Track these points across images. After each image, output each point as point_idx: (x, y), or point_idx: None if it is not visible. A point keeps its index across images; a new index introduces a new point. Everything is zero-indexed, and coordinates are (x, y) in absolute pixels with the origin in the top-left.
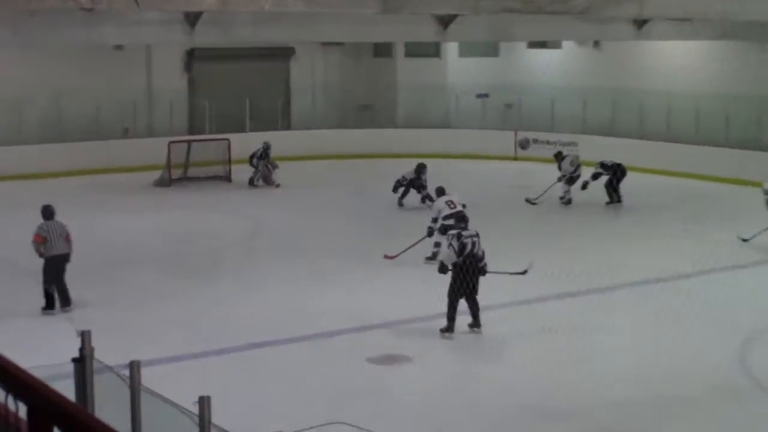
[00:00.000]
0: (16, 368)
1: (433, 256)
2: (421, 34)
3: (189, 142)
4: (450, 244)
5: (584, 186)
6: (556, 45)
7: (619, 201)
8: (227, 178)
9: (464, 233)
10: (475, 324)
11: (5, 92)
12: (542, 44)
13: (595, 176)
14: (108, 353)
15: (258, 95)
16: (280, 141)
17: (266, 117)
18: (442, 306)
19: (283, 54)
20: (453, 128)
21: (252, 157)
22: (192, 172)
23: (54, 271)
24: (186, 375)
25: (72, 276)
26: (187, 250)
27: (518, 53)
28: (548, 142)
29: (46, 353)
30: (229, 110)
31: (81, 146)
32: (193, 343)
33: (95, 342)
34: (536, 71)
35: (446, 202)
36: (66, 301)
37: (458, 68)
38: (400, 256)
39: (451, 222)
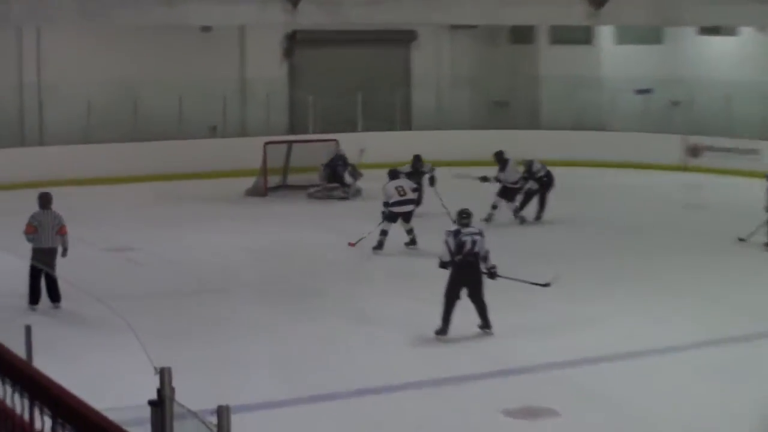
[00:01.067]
0: (89, 410)
1: (378, 245)
2: (570, 16)
3: (289, 143)
4: (446, 241)
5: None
6: (731, 31)
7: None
8: (358, 190)
9: (464, 230)
10: (484, 325)
11: (69, 82)
12: (715, 30)
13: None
14: (191, 396)
15: (372, 88)
16: (397, 143)
17: (381, 114)
18: (599, 350)
19: (402, 39)
20: (607, 131)
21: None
22: (292, 179)
23: (41, 264)
24: (282, 424)
25: (148, 302)
26: (285, 275)
27: (686, 40)
28: (725, 149)
29: (117, 392)
30: (338, 105)
31: (159, 147)
32: (291, 386)
33: (176, 382)
34: (708, 62)
35: (396, 188)
36: (55, 297)
37: (614, 58)
38: (361, 242)
39: (399, 209)
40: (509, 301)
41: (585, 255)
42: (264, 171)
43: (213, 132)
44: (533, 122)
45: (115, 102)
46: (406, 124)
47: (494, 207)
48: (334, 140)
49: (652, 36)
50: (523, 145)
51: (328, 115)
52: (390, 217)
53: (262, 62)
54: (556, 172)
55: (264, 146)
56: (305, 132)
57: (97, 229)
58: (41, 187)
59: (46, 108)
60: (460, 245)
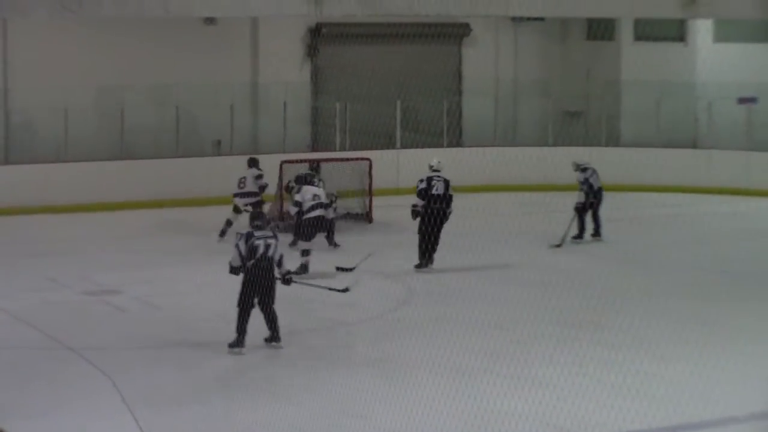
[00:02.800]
0: None
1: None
2: (659, 8)
3: (311, 162)
4: (236, 245)
5: None
6: None
7: None
8: (367, 215)
9: (257, 233)
10: (273, 338)
11: (41, 87)
12: None
13: None
14: None
15: (414, 94)
16: (444, 163)
17: (426, 126)
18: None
19: (452, 34)
20: (702, 148)
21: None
22: None
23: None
24: None
25: (133, 357)
26: (302, 324)
27: None
28: None
29: None
30: (372, 116)
31: (150, 167)
32: None
33: None
34: None
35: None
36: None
37: (712, 59)
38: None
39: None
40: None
41: (665, 301)
42: (280, 196)
43: (218, 148)
44: (613, 137)
45: (97, 112)
46: (456, 139)
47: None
48: (367, 159)
49: (759, 32)
50: (600, 164)
51: (359, 127)
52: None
53: (278, 63)
54: (639, 197)
55: (280, 165)
56: (332, 148)
57: (73, 267)
58: (5, 215)
59: (13, 119)
60: (253, 249)
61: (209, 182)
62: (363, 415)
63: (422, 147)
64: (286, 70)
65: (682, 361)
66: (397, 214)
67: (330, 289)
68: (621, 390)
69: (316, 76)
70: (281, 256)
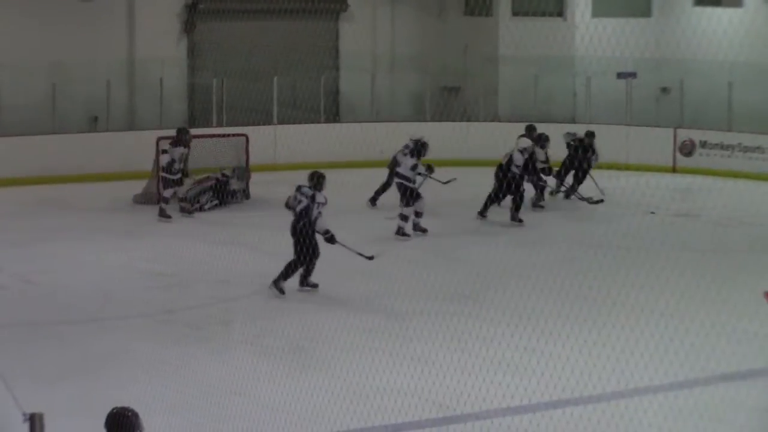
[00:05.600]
0: None
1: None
2: None
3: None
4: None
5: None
6: (735, 2)
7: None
8: (244, 192)
9: (301, 188)
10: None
11: None
12: (716, 0)
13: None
14: None
15: (291, 70)
16: (322, 139)
17: (303, 102)
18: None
19: (329, 9)
20: (581, 123)
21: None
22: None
23: None
24: None
25: (11, 336)
26: (183, 302)
27: (680, 12)
28: (724, 146)
29: None
30: (248, 92)
31: (25, 143)
32: None
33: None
34: (706, 40)
35: None
36: None
37: (591, 34)
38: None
39: None
40: (462, 336)
41: (543, 275)
42: (157, 173)
43: (94, 125)
44: (490, 112)
45: None
46: (333, 115)
47: None
48: (244, 135)
49: (638, 7)
50: (478, 139)
51: (236, 103)
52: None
53: (154, 38)
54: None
55: (157, 142)
56: (208, 125)
57: None
58: None
59: None
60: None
61: (86, 159)
62: (243, 392)
63: (299, 123)
64: (163, 46)
65: (563, 337)
66: (275, 191)
67: (358, 254)
68: (501, 366)
69: (192, 52)
70: (316, 216)
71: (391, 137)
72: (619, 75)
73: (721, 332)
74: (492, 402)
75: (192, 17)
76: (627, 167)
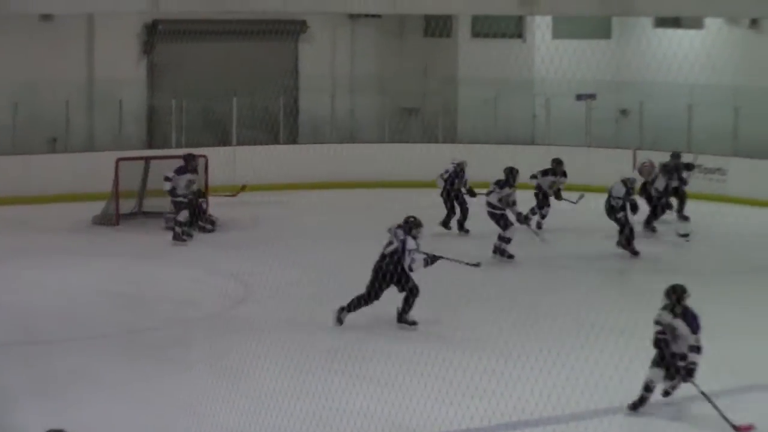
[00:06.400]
0: None
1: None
2: (497, 4)
3: (147, 159)
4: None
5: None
6: (695, 23)
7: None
8: (202, 213)
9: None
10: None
11: None
12: (675, 22)
13: None
14: None
15: (250, 91)
16: (281, 160)
17: (262, 123)
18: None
19: (289, 30)
20: (540, 144)
21: None
22: (150, 204)
23: None
24: None
25: None
26: (141, 322)
27: (640, 34)
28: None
29: None
30: (208, 113)
31: None
32: None
33: None
34: (666, 62)
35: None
36: None
37: (551, 56)
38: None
39: None
40: (422, 358)
41: (503, 297)
42: (116, 194)
43: (53, 146)
44: (450, 134)
45: None
46: (292, 137)
47: None
48: (203, 156)
49: (598, 29)
50: (438, 162)
51: (195, 124)
52: None
53: (114, 59)
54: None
55: (116, 163)
56: (167, 146)
57: None
58: None
59: None
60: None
61: (46, 180)
62: (201, 413)
63: (258, 144)
64: (122, 66)
65: (522, 358)
66: (235, 212)
67: (465, 263)
68: (460, 387)
69: (152, 73)
70: (409, 264)
71: (349, 158)
72: (578, 97)
73: None
74: (452, 423)
75: (152, 38)
76: (585, 188)
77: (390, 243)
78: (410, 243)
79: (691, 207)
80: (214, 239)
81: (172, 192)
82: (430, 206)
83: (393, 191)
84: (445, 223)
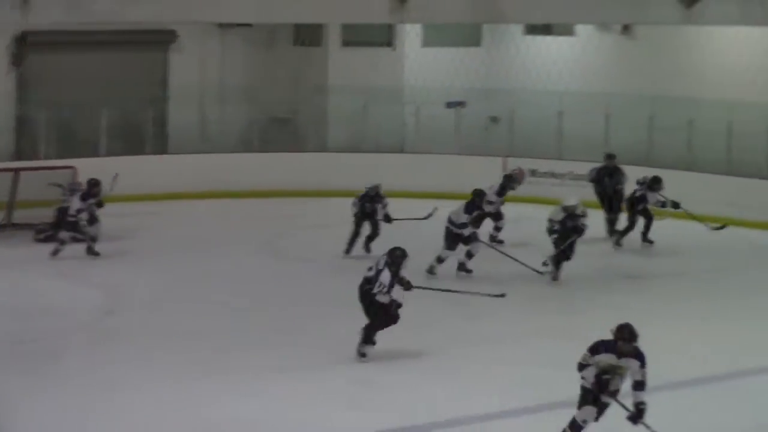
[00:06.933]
0: None
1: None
2: (366, 13)
3: (15, 171)
4: None
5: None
6: (567, 30)
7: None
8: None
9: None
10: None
11: None
12: (546, 29)
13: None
14: None
15: (120, 101)
16: (150, 171)
17: (132, 134)
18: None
19: (158, 41)
20: (410, 153)
21: None
22: (20, 215)
23: None
24: None
25: None
26: (12, 335)
27: (510, 41)
28: (554, 175)
29: None
30: (77, 124)
31: None
32: None
33: None
34: (537, 69)
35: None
36: None
37: (421, 63)
38: None
39: None
40: (291, 366)
41: None
42: (9, 206)
43: None
44: (320, 143)
45: None
46: (161, 147)
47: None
48: (72, 167)
49: (467, 36)
50: (308, 172)
51: (64, 135)
52: None
53: None
54: (344, 203)
55: None
56: (36, 157)
57: None
58: None
59: None
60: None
61: None
62: (77, 428)
63: (127, 154)
64: None
65: (397, 367)
66: (104, 222)
67: (485, 294)
68: (331, 395)
69: (21, 84)
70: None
71: (219, 168)
72: (448, 104)
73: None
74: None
75: (21, 50)
76: (454, 195)
77: (369, 268)
78: (384, 276)
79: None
80: (83, 250)
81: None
82: (299, 215)
83: (262, 201)
84: (348, 249)
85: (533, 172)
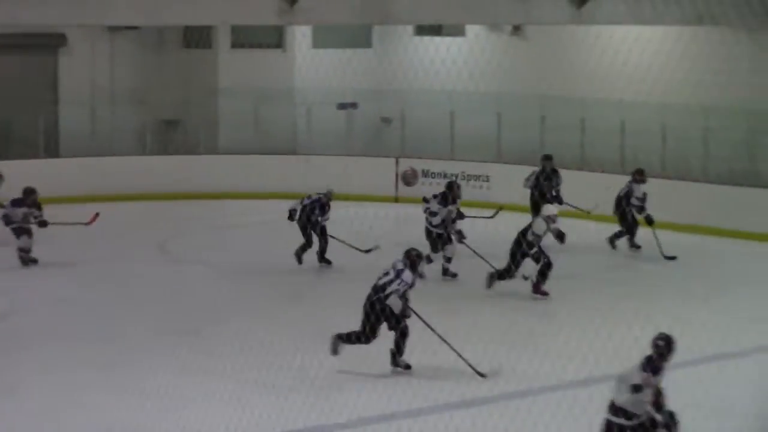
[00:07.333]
0: None
1: None
2: (256, 15)
3: None
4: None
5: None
6: (457, 31)
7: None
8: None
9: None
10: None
11: None
12: (437, 29)
13: None
14: None
15: (8, 105)
16: (42, 175)
17: (21, 138)
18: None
19: (48, 44)
20: (301, 154)
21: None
22: None
23: None
24: None
25: None
26: None
27: (399, 42)
28: (446, 175)
29: None
30: None
31: None
32: None
33: None
34: (428, 69)
35: None
36: None
37: (311, 65)
38: None
39: None
40: (189, 369)
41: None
42: None
43: None
44: (211, 145)
45: None
46: (53, 151)
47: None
48: None
49: (357, 38)
50: (199, 174)
51: None
52: None
53: None
54: (239, 204)
55: None
56: None
57: None
58: None
59: None
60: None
61: None
62: None
63: (18, 158)
64: None
65: (284, 368)
66: None
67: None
68: (224, 397)
69: None
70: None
71: (110, 171)
72: (340, 106)
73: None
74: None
75: None
76: (346, 197)
77: (386, 273)
78: (406, 276)
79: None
80: None
81: (7, 219)
82: (191, 217)
83: (154, 204)
84: (299, 255)
85: (425, 173)
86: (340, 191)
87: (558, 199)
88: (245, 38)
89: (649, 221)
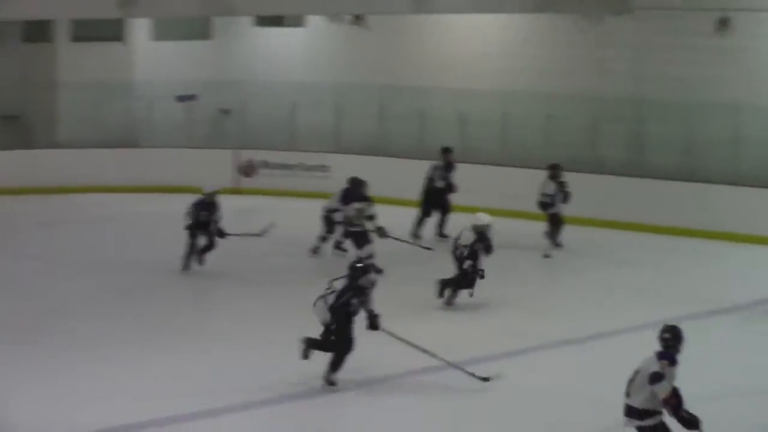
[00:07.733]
0: None
1: None
2: (95, 8)
3: None
4: None
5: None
6: (297, 21)
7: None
8: None
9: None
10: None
11: None
12: (277, 20)
13: None
14: None
15: None
16: None
17: None
18: None
19: None
20: (141, 147)
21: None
22: None
23: None
24: None
25: None
26: None
27: (240, 34)
28: (285, 166)
29: None
30: None
31: None
32: None
33: None
34: (268, 61)
35: None
36: None
37: (151, 58)
38: None
39: None
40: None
41: (104, 303)
42: None
43: None
44: (50, 140)
45: None
46: None
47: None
48: None
49: (197, 30)
50: (41, 168)
51: None
52: None
53: None
54: (81, 198)
55: None
56: None
57: None
58: None
59: None
60: None
61: None
62: None
63: None
64: None
65: (115, 362)
66: None
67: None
68: (63, 392)
69: None
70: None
71: None
72: (179, 98)
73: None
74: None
75: None
76: (183, 189)
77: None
78: (339, 283)
79: (292, 204)
80: None
81: None
82: (29, 212)
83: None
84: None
85: (265, 164)
86: (181, 183)
87: (452, 190)
88: (86, 31)
89: (554, 220)
